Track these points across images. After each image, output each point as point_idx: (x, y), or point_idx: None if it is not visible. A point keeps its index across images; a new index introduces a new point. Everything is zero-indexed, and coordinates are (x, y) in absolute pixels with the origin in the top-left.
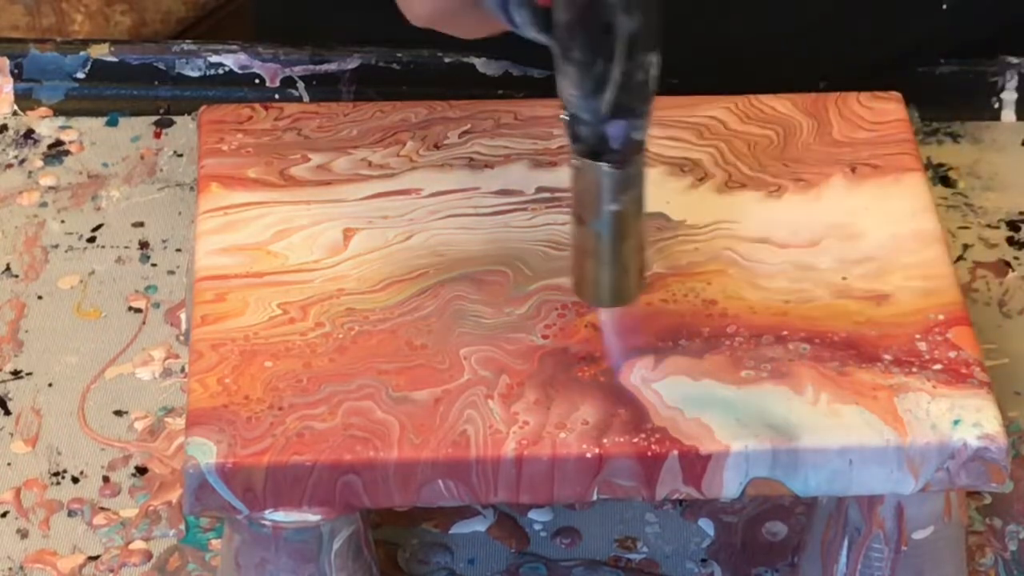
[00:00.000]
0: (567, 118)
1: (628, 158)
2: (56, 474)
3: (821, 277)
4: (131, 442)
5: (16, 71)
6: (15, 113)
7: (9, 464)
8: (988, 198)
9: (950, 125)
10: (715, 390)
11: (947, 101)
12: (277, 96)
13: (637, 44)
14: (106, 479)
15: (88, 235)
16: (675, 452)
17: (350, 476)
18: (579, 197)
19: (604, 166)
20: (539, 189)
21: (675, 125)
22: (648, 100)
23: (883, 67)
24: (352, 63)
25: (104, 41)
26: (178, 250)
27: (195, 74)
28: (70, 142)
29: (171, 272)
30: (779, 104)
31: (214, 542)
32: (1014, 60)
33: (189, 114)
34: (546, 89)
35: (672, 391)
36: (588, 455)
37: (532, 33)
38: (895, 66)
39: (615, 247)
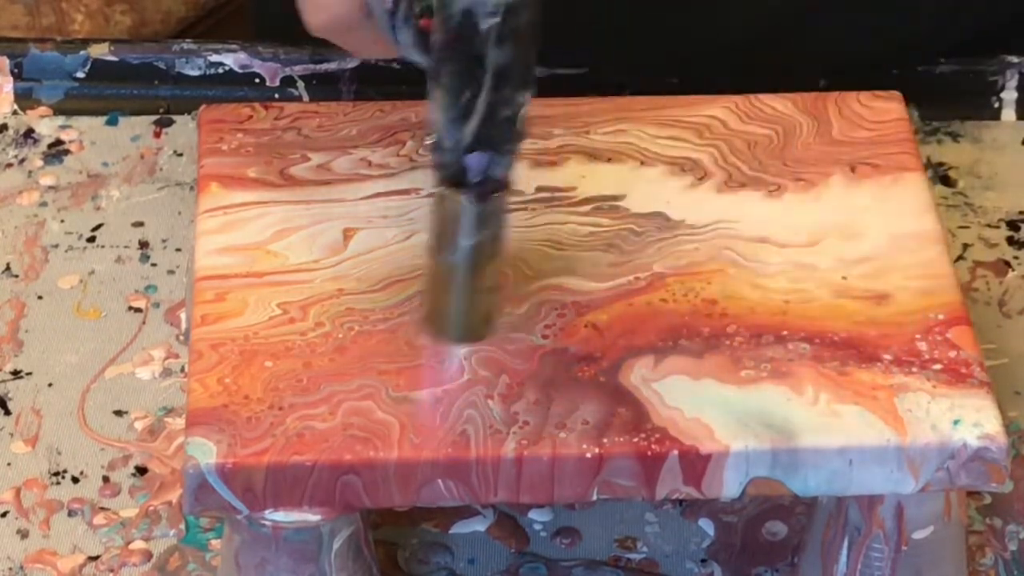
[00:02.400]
0: (430, 143)
1: (487, 194)
2: (56, 474)
3: (821, 277)
4: (131, 442)
5: (16, 71)
6: (15, 112)
7: (9, 464)
8: (988, 198)
9: (950, 125)
10: (715, 390)
11: (947, 101)
12: (277, 96)
13: (506, 78)
14: (106, 479)
15: (88, 235)
16: (675, 452)
17: (350, 476)
18: (435, 228)
19: (462, 198)
20: (539, 189)
21: (675, 125)
22: (514, 139)
23: (883, 66)
24: (352, 63)
25: (104, 41)
26: (178, 250)
27: (195, 73)
28: (70, 142)
29: (171, 272)
30: (779, 104)
31: (214, 542)
32: (1014, 60)
33: (189, 114)
34: (546, 89)
35: (672, 391)
36: (588, 455)
37: (414, 55)
38: (895, 65)
39: (466, 283)
